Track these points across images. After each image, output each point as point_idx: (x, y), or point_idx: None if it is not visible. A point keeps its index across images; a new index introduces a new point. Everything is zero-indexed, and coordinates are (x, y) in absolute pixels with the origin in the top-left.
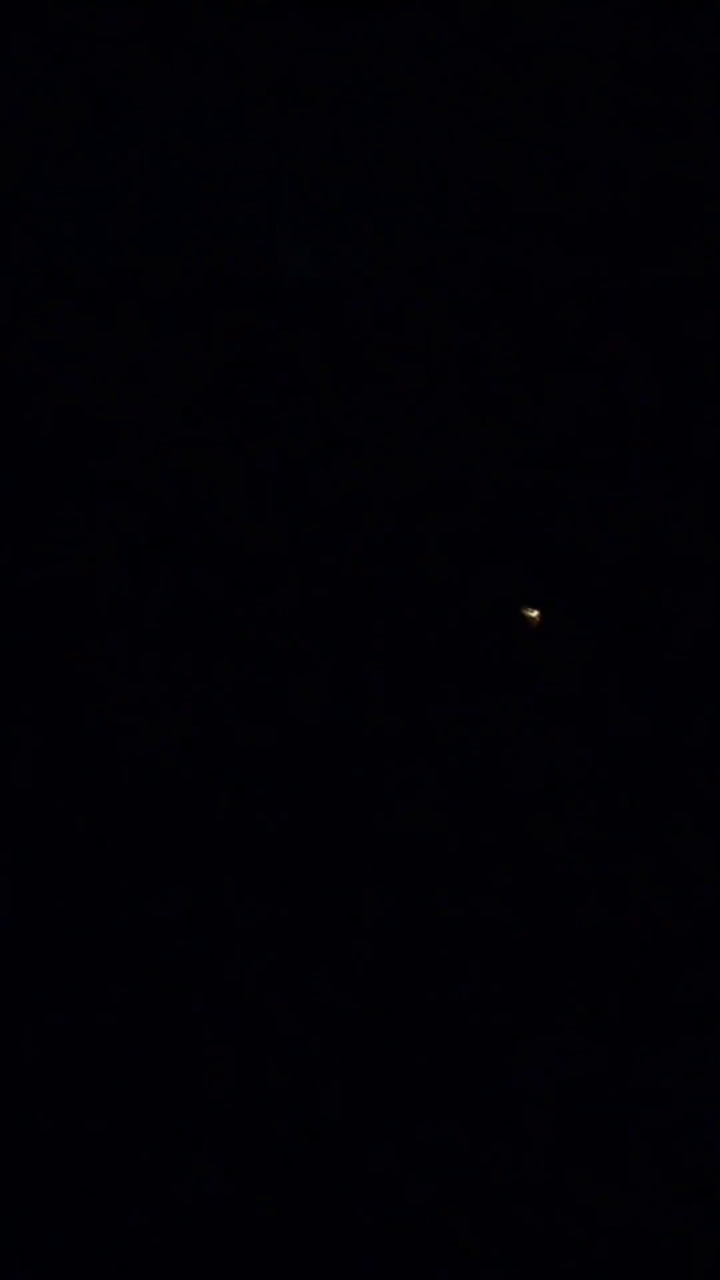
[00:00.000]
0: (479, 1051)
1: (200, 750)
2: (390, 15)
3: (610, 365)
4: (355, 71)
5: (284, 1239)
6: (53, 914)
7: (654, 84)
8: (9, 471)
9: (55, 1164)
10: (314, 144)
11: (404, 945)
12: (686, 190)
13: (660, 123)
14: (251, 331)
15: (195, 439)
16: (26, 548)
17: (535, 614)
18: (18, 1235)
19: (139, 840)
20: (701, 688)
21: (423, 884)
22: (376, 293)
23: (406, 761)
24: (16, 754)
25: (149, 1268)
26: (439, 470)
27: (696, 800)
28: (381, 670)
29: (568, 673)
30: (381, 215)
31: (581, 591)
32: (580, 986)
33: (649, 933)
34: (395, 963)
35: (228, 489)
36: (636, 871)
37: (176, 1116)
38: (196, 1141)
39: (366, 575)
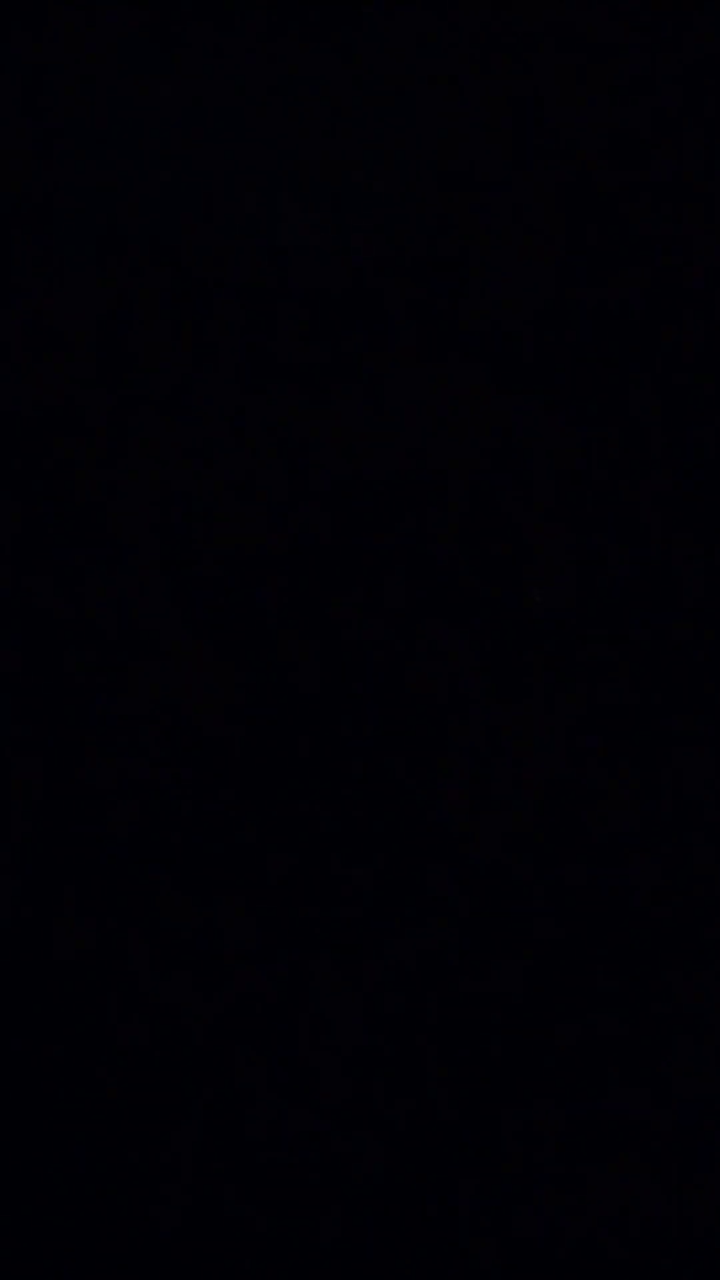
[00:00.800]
0: (482, 1054)
1: (204, 748)
2: (390, 15)
3: (612, 352)
4: (355, 65)
5: (282, 1241)
6: (54, 913)
7: (656, 81)
8: (11, 467)
9: (53, 1166)
10: (316, 135)
11: (403, 945)
12: (688, 186)
13: (663, 118)
14: (253, 323)
15: (199, 433)
16: (26, 545)
17: (538, 595)
18: (16, 1235)
19: (142, 845)
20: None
21: (424, 885)
22: (378, 281)
23: (409, 760)
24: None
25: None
26: (441, 461)
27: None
28: (385, 664)
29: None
30: (385, 202)
31: (585, 584)
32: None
33: (652, 934)
34: (394, 962)
35: (232, 482)
36: (639, 872)
37: (175, 1116)
38: (195, 1141)
39: (369, 566)
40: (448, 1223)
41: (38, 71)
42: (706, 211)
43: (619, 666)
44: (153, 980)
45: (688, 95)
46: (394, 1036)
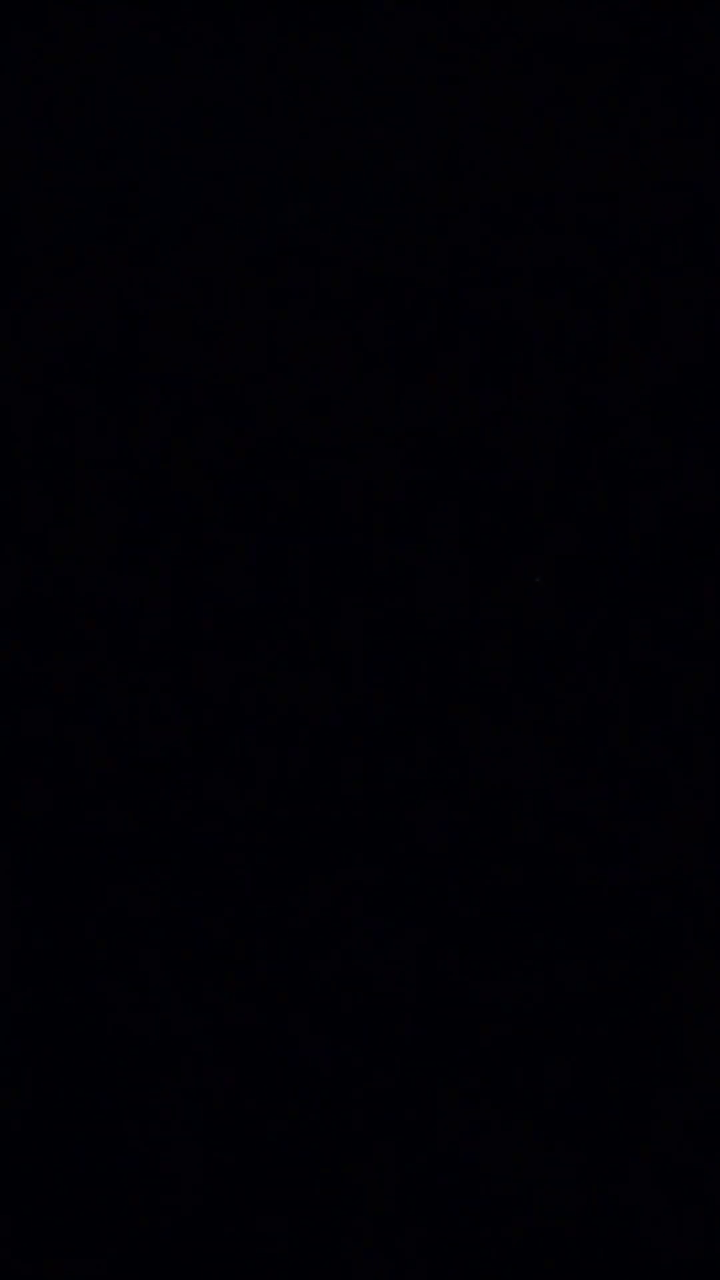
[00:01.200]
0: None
1: (200, 750)
2: (390, 15)
3: (612, 349)
4: (355, 65)
5: (279, 1237)
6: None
7: (656, 80)
8: (11, 461)
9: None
10: (316, 134)
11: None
12: (689, 185)
13: (663, 117)
14: (253, 320)
15: (200, 431)
16: (23, 542)
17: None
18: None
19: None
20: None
21: (423, 889)
22: (378, 279)
23: (408, 762)
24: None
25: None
26: (442, 456)
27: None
28: (385, 662)
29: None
30: (385, 200)
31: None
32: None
33: (652, 933)
34: (393, 962)
35: (232, 479)
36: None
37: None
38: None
39: (369, 563)
40: (448, 1223)
41: (38, 71)
42: (709, 211)
43: (619, 664)
44: (151, 980)
45: (689, 95)
46: (394, 1039)
